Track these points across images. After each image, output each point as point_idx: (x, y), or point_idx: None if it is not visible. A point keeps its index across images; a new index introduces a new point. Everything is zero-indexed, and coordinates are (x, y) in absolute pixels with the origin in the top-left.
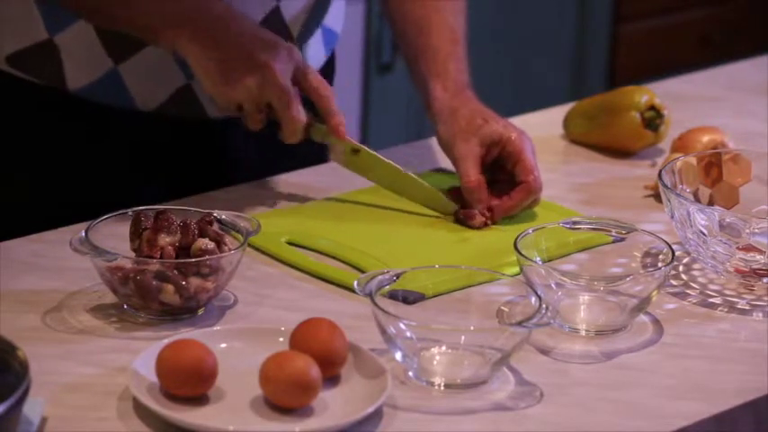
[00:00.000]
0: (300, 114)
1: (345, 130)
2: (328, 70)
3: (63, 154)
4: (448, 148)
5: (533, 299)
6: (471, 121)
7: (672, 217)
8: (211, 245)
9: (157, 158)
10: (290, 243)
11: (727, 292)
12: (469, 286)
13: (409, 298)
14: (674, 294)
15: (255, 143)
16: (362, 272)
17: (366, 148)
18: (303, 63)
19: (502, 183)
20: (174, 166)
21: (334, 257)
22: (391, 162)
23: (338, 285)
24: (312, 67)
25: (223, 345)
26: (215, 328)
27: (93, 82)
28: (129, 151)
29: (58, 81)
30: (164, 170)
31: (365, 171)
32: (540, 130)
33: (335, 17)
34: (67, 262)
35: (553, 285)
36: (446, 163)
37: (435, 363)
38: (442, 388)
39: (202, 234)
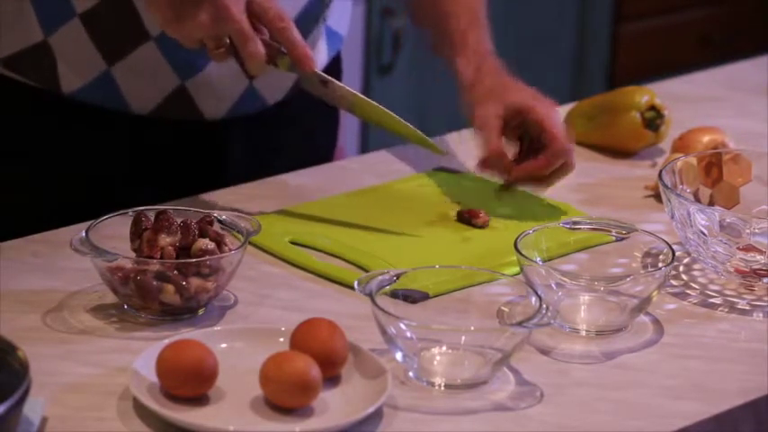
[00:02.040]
0: (258, 48)
1: (311, 60)
2: (333, 71)
3: (60, 157)
4: (470, 119)
5: (533, 299)
6: (492, 90)
7: (672, 217)
8: (212, 245)
9: (154, 161)
10: (293, 242)
11: (728, 292)
12: (470, 286)
13: (412, 297)
14: (675, 294)
15: (253, 144)
16: (365, 271)
17: (334, 81)
18: None
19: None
20: (172, 168)
21: (336, 257)
22: (358, 94)
23: (342, 284)
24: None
25: (223, 345)
26: (215, 329)
27: (86, 84)
28: (126, 154)
29: (53, 83)
30: (161, 173)
31: (336, 101)
32: None
33: (339, 19)
34: (68, 262)
35: (553, 285)
36: (447, 162)
37: (436, 363)
38: (443, 388)
39: (203, 234)
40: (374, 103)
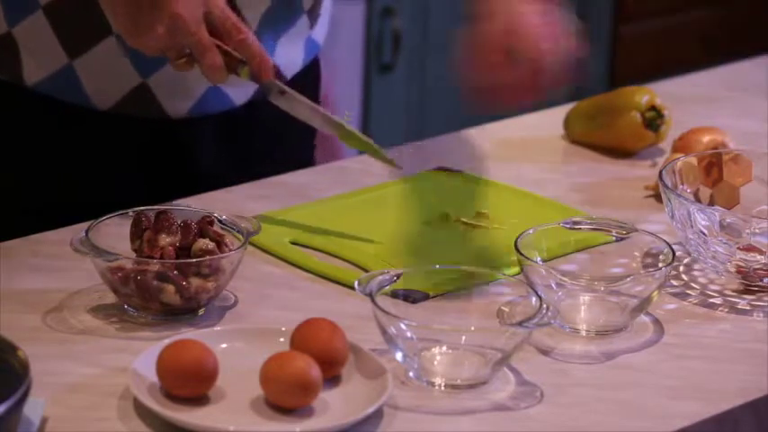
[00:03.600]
0: (216, 60)
1: (269, 70)
2: (310, 76)
3: (24, 152)
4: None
5: (534, 299)
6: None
7: (672, 217)
8: (212, 245)
9: (119, 158)
10: (293, 243)
11: (728, 292)
12: (470, 286)
13: (412, 297)
14: (675, 295)
15: (225, 144)
16: (365, 271)
17: (293, 92)
18: (218, 6)
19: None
20: (138, 166)
21: (336, 257)
22: (316, 106)
23: (342, 284)
24: (229, 11)
25: (224, 345)
26: (215, 329)
27: (49, 76)
28: (90, 151)
29: (16, 75)
30: (126, 170)
31: (294, 111)
32: (540, 131)
33: (320, 30)
34: (68, 262)
35: (553, 285)
36: (447, 162)
37: (436, 363)
38: (443, 388)
39: (203, 234)
40: (329, 114)
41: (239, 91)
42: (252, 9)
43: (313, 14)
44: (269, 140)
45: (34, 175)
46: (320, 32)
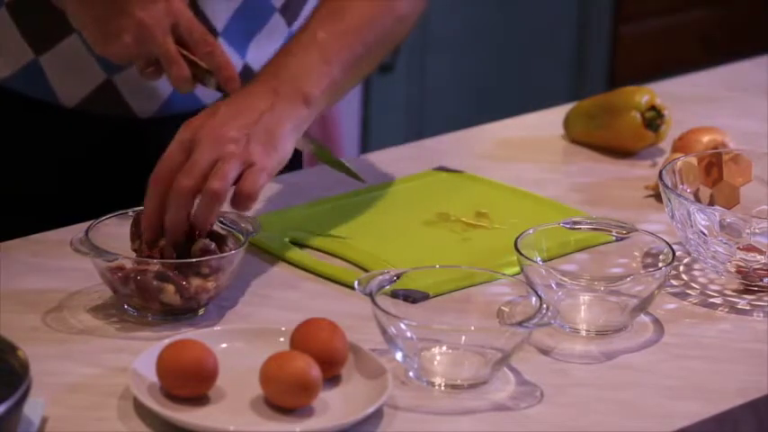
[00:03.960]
0: (182, 71)
1: (236, 82)
2: None
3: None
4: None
5: (534, 299)
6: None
7: (672, 217)
8: (212, 245)
9: (88, 158)
10: (293, 242)
11: (728, 292)
12: (470, 286)
13: (412, 297)
14: (675, 294)
15: None
16: (365, 271)
17: None
18: (185, 17)
19: None
20: (107, 166)
21: (336, 257)
22: None
23: (342, 284)
24: (196, 22)
25: (224, 345)
26: (215, 329)
27: (15, 72)
28: (58, 149)
29: None
30: (95, 170)
31: None
32: (540, 131)
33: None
34: (68, 262)
35: (553, 285)
36: (446, 162)
37: (436, 363)
38: (443, 388)
39: (203, 234)
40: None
41: (207, 91)
42: (220, 9)
43: (288, 12)
44: None
45: (2, 171)
46: None
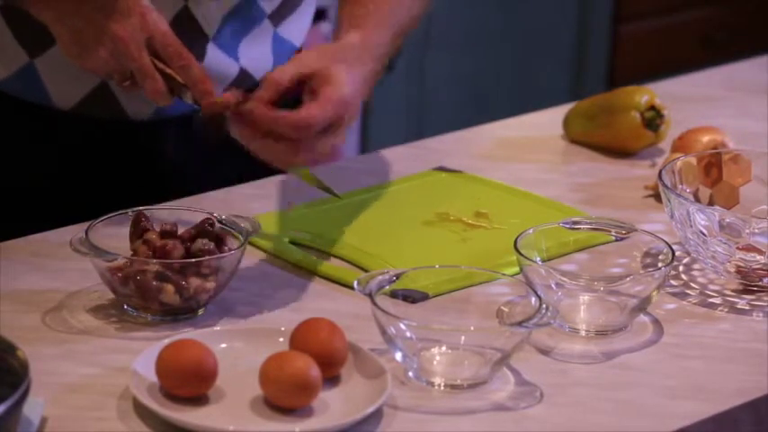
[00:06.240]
0: (157, 86)
1: (210, 95)
2: None
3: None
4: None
5: (533, 299)
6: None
7: (672, 217)
8: (211, 245)
9: (84, 161)
10: (293, 242)
11: (727, 292)
12: (469, 286)
13: (412, 297)
14: (674, 294)
15: (193, 148)
16: (365, 271)
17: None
18: (160, 31)
19: None
20: (102, 169)
21: (336, 257)
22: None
23: (342, 284)
24: (171, 36)
25: (223, 345)
26: (215, 329)
27: (10, 76)
28: (55, 152)
29: None
30: (91, 173)
31: (235, 134)
32: (540, 130)
33: (294, 30)
34: (67, 262)
35: (553, 285)
36: (446, 162)
37: (435, 363)
38: (442, 388)
39: (203, 234)
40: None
41: None
42: (212, 14)
43: (277, 16)
44: (232, 142)
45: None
46: (294, 30)
